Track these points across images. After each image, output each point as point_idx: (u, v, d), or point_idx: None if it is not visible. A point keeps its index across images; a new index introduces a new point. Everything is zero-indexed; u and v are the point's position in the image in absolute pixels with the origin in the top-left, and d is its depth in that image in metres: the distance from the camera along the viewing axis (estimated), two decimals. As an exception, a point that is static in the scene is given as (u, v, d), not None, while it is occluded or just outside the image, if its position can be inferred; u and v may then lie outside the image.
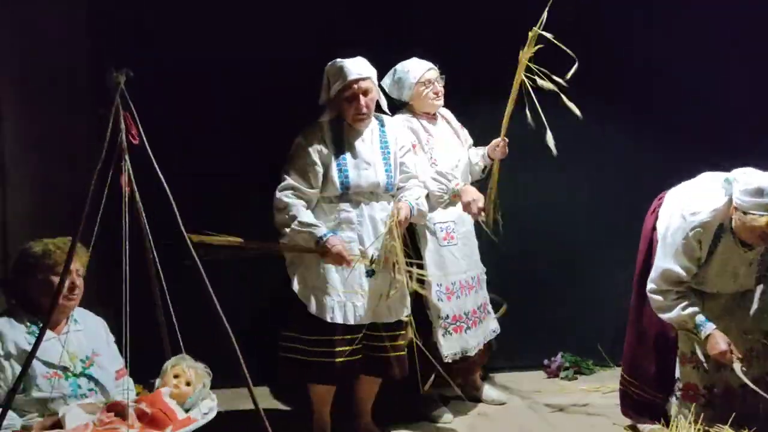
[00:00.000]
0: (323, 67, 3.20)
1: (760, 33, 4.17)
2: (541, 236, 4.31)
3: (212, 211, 3.88)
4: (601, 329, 4.29)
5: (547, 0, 3.36)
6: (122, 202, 2.31)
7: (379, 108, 3.28)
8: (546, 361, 4.35)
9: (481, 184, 3.71)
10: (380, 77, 3.29)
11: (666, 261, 2.93)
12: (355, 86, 3.09)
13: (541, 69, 3.39)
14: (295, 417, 3.51)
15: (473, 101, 3.94)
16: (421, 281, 3.16)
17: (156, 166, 2.17)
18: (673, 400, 3.08)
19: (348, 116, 3.15)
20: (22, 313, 2.33)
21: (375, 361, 3.21)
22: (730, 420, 2.87)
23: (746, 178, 2.77)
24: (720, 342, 2.84)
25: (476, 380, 3.91)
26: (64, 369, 2.33)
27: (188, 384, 2.38)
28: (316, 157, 3.09)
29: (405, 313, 3.24)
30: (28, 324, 2.31)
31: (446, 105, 3.72)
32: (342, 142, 3.15)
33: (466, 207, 3.39)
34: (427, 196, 3.39)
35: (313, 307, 3.07)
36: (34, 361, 2.24)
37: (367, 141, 3.21)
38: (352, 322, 3.09)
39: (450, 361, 3.45)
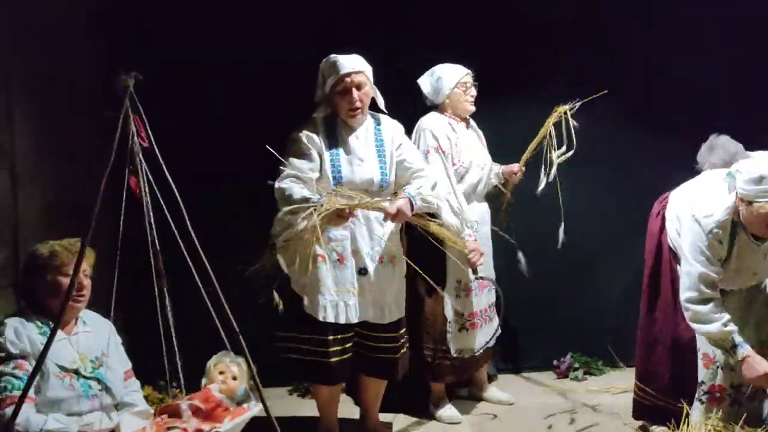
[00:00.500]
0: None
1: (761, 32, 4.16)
2: (551, 237, 4.31)
3: (216, 212, 3.94)
4: (611, 330, 4.29)
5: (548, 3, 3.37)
6: (138, 204, 2.34)
7: (377, 107, 3.24)
8: (555, 362, 4.34)
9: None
10: (381, 76, 3.26)
11: (697, 266, 2.82)
12: (348, 80, 3.07)
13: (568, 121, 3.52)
14: (306, 418, 3.53)
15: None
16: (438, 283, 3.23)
17: (164, 168, 2.18)
18: (698, 405, 2.97)
19: (341, 111, 3.12)
20: (32, 314, 2.35)
21: (375, 362, 3.19)
22: (741, 419, 2.85)
23: (748, 167, 2.74)
24: (758, 365, 2.74)
25: (482, 380, 3.92)
26: (75, 370, 2.34)
27: (234, 379, 2.41)
28: (311, 145, 3.07)
29: (399, 315, 3.20)
30: (39, 324, 2.33)
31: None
32: (335, 138, 3.13)
33: (468, 255, 3.42)
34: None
35: (306, 306, 3.06)
36: (47, 362, 2.26)
37: (361, 138, 3.17)
38: (343, 321, 3.07)
39: (456, 355, 3.56)
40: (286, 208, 2.93)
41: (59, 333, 2.22)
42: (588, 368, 4.28)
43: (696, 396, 2.99)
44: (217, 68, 4.11)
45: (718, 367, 2.94)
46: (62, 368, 2.31)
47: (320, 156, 3.08)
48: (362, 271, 3.10)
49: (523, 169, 3.77)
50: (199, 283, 2.27)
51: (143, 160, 2.18)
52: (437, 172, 3.52)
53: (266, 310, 3.16)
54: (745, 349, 2.76)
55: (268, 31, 4.13)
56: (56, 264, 2.36)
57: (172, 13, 4.10)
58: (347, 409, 3.50)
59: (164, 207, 2.25)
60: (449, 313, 3.59)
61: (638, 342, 3.25)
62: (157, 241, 2.38)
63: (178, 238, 2.32)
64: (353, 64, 3.09)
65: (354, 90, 3.07)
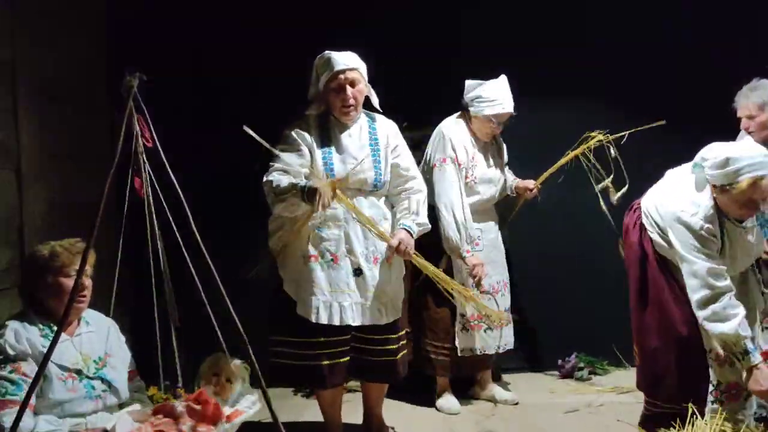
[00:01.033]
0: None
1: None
2: (556, 237, 4.31)
3: (220, 213, 3.95)
4: (616, 329, 4.25)
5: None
6: (142, 204, 2.35)
7: (371, 106, 3.20)
8: (560, 362, 4.33)
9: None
10: (383, 75, 3.26)
11: (701, 262, 2.77)
12: (342, 76, 3.02)
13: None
14: (312, 423, 3.53)
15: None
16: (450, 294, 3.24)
17: (168, 168, 2.19)
18: (711, 405, 2.88)
19: (335, 108, 3.08)
20: (34, 315, 2.34)
21: (373, 366, 3.14)
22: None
23: (711, 153, 2.76)
24: (765, 380, 2.70)
25: (486, 381, 3.93)
26: (78, 371, 2.34)
27: (228, 381, 2.41)
28: (301, 141, 3.02)
29: (396, 316, 3.14)
30: (41, 326, 2.32)
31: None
32: (328, 136, 3.07)
33: (471, 270, 3.56)
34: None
35: (298, 308, 3.01)
36: (50, 364, 2.26)
37: (355, 136, 3.12)
38: (337, 323, 3.00)
39: (461, 354, 3.65)
40: (280, 205, 2.90)
41: (61, 335, 2.22)
42: (593, 368, 4.27)
43: (711, 398, 2.89)
44: (221, 69, 4.12)
45: (731, 365, 2.84)
46: (64, 369, 2.30)
47: (311, 153, 3.03)
48: (357, 272, 3.04)
49: (540, 187, 3.80)
50: (198, 285, 2.29)
51: (146, 161, 2.19)
52: (451, 182, 3.57)
53: (267, 310, 3.18)
54: (756, 358, 2.72)
55: (273, 31, 4.14)
56: (57, 265, 2.35)
57: (176, 14, 4.11)
58: (352, 410, 3.50)
59: (166, 208, 2.27)
60: (457, 313, 3.66)
61: (639, 359, 3.15)
62: (159, 241, 2.41)
63: (179, 238, 2.34)
64: (347, 61, 3.04)
65: (348, 87, 3.03)
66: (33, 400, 2.14)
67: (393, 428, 3.36)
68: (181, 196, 2.18)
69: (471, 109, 3.69)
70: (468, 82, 3.72)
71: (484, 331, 3.72)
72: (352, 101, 3.05)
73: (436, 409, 3.74)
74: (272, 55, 4.11)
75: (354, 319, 3.03)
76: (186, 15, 4.13)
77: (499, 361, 4.15)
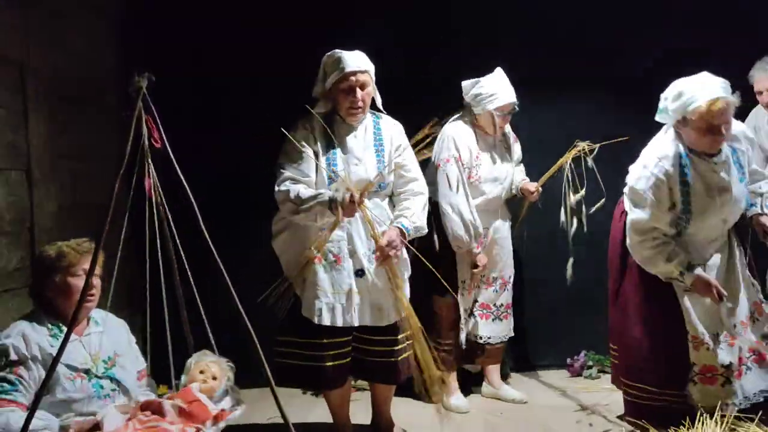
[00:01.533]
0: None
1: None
2: (565, 235, 4.29)
3: (227, 212, 3.96)
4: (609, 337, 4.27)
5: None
6: (147, 204, 2.35)
7: (374, 105, 3.17)
8: (569, 360, 4.33)
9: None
10: (387, 73, 3.26)
11: (634, 212, 2.95)
12: (353, 78, 3.00)
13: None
14: (320, 420, 3.54)
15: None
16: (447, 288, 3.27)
17: (177, 168, 2.20)
18: (692, 385, 2.96)
19: (342, 109, 3.06)
20: (43, 315, 2.35)
21: (375, 367, 3.13)
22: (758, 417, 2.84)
23: (668, 91, 2.90)
24: (706, 281, 2.86)
25: (494, 380, 3.93)
26: (87, 371, 2.35)
27: (214, 378, 2.41)
28: (306, 145, 3.01)
29: (398, 317, 3.09)
30: (50, 326, 2.33)
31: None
32: (333, 136, 3.05)
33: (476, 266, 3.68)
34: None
35: (303, 308, 3.01)
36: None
37: (360, 137, 3.10)
38: (340, 324, 3.00)
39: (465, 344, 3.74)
40: (299, 215, 2.93)
41: (71, 334, 2.23)
42: (602, 366, 4.26)
43: (689, 377, 2.97)
44: (231, 69, 4.13)
45: (707, 348, 2.94)
46: (73, 369, 2.31)
47: (316, 155, 3.02)
48: (359, 273, 3.02)
49: (540, 189, 3.80)
50: (193, 285, 2.30)
51: (151, 163, 2.20)
52: (454, 181, 3.58)
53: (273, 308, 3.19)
54: (692, 274, 2.86)
55: (281, 31, 4.15)
56: (64, 265, 2.35)
57: (186, 14, 4.13)
58: (361, 409, 3.50)
59: (166, 209, 2.28)
60: (461, 308, 3.72)
61: (619, 350, 3.22)
62: (169, 241, 2.42)
63: (175, 240, 2.35)
64: (359, 63, 3.02)
65: (358, 90, 3.01)
66: (27, 401, 2.17)
67: (404, 429, 3.35)
68: (191, 195, 2.19)
69: (474, 108, 3.70)
70: (464, 83, 3.72)
71: (492, 320, 3.82)
72: (360, 104, 3.03)
73: (444, 407, 3.72)
74: (281, 55, 4.11)
75: (356, 320, 3.03)
76: (195, 15, 4.14)
77: (507, 359, 4.15)
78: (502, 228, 3.87)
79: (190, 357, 2.57)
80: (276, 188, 2.99)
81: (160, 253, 2.44)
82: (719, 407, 2.88)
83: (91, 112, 3.86)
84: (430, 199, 3.55)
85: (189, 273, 2.33)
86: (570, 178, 3.65)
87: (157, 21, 4.12)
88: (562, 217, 3.74)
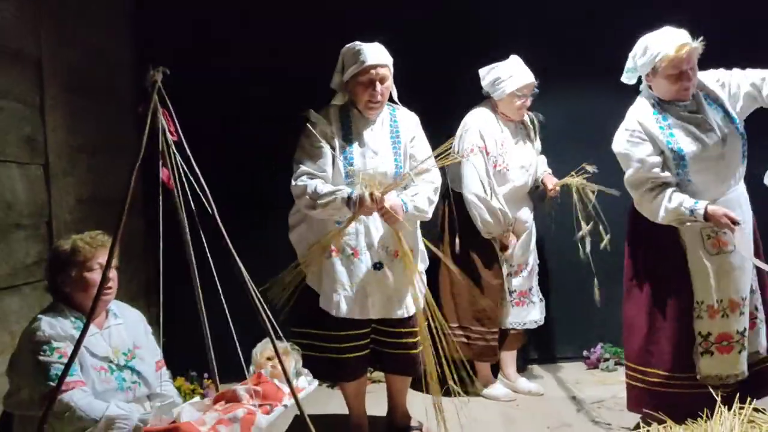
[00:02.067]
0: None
1: None
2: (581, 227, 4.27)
3: (246, 205, 3.98)
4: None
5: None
6: (164, 197, 2.36)
7: (390, 98, 3.14)
8: (586, 352, 4.32)
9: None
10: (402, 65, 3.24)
11: (626, 174, 3.00)
12: (373, 72, 2.97)
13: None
14: (336, 412, 3.55)
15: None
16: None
17: (193, 162, 2.20)
18: (708, 356, 2.96)
19: (360, 102, 3.04)
20: (65, 308, 2.37)
21: (394, 359, 3.14)
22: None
23: (635, 50, 3.01)
24: (718, 209, 2.85)
25: (511, 372, 3.93)
26: (109, 363, 2.36)
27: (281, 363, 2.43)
28: (322, 140, 2.99)
29: (417, 309, 3.08)
30: (73, 319, 2.35)
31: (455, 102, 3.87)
32: (350, 129, 3.05)
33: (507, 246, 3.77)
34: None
35: (321, 301, 3.02)
36: (85, 355, 2.29)
37: (377, 130, 3.08)
38: (358, 316, 3.00)
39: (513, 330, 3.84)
40: (316, 210, 2.92)
41: (91, 327, 2.25)
42: (619, 359, 4.24)
43: (701, 349, 2.98)
44: (244, 61, 4.14)
45: (723, 315, 2.95)
46: (97, 360, 2.33)
47: (333, 149, 3.01)
48: (377, 266, 3.02)
49: (558, 189, 3.78)
50: (215, 280, 2.31)
51: (172, 154, 2.20)
52: (480, 172, 3.59)
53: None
54: (700, 207, 2.86)
55: (296, 23, 4.16)
56: (79, 259, 2.36)
57: (200, 6, 4.14)
58: (376, 402, 3.51)
59: (179, 203, 2.28)
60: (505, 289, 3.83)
61: (635, 328, 3.15)
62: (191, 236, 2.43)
63: (187, 234, 2.36)
64: (379, 56, 2.99)
65: (378, 84, 2.99)
66: (83, 378, 2.21)
67: (419, 421, 3.36)
68: (206, 188, 2.20)
69: (494, 94, 3.69)
70: (481, 71, 3.73)
71: (515, 306, 3.87)
72: (380, 98, 3.01)
73: (484, 397, 3.81)
74: (295, 47, 4.12)
75: (374, 313, 3.03)
76: (208, 7, 4.16)
77: (523, 352, 4.14)
78: (528, 216, 3.87)
79: (207, 349, 2.57)
80: (293, 182, 2.98)
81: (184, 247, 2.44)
82: (727, 378, 2.95)
83: (107, 106, 3.89)
84: (454, 191, 3.55)
85: (212, 263, 2.33)
86: (579, 207, 3.63)
87: (170, 14, 4.14)
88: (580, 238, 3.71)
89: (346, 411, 3.30)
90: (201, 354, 2.50)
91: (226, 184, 2.99)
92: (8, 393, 2.32)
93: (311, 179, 2.95)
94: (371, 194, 2.84)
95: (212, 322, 2.47)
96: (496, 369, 3.99)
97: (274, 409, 2.12)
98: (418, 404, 3.50)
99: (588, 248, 3.61)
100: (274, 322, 2.16)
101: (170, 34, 4.09)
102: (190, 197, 2.23)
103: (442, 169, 3.38)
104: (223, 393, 2.27)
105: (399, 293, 3.05)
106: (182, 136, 2.24)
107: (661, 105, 3.02)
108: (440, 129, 3.75)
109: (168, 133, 2.24)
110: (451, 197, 3.80)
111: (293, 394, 2.09)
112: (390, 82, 3.06)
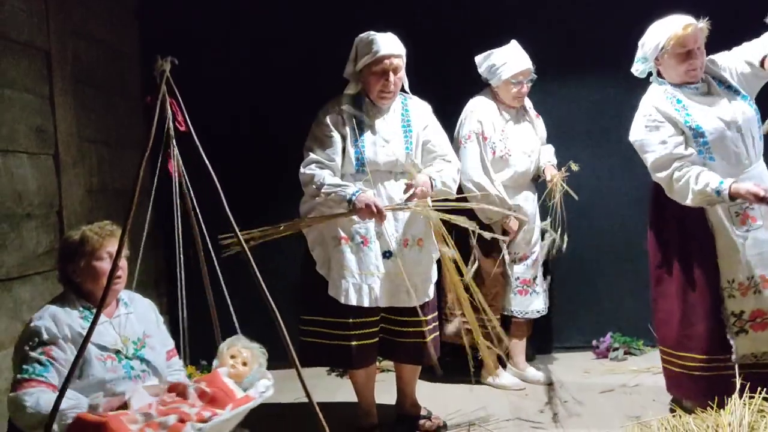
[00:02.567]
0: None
1: None
2: (590, 217, 4.26)
3: (256, 196, 3.98)
4: (651, 309, 4.23)
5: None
6: (173, 187, 2.37)
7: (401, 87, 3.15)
8: (595, 342, 4.31)
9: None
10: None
11: (648, 159, 3.01)
12: (387, 62, 2.99)
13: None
14: (345, 400, 3.56)
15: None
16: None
17: (202, 152, 2.21)
18: (743, 335, 2.95)
19: (373, 92, 3.05)
20: (75, 298, 2.38)
21: (403, 348, 3.14)
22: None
23: (643, 40, 3.07)
24: (744, 186, 2.81)
25: (519, 361, 3.93)
26: (117, 352, 2.38)
27: (245, 364, 2.42)
28: (333, 129, 3.01)
29: (427, 299, 3.13)
30: (81, 309, 2.35)
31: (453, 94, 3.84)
32: (361, 118, 3.06)
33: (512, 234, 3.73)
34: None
35: (330, 288, 3.03)
36: (89, 345, 2.31)
37: (388, 119, 3.10)
38: (366, 304, 3.01)
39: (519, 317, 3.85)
40: (319, 198, 2.94)
41: (101, 316, 2.25)
42: (628, 348, 4.24)
43: (735, 329, 2.96)
44: (255, 57, 4.15)
45: (755, 292, 2.95)
46: (104, 350, 2.33)
47: (344, 138, 3.02)
48: (387, 254, 3.03)
49: (556, 181, 3.73)
50: (218, 271, 2.31)
51: (175, 145, 2.21)
52: (475, 158, 3.58)
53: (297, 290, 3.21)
54: (725, 186, 2.82)
55: (302, 15, 4.16)
56: (88, 249, 2.36)
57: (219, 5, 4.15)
58: (386, 390, 3.52)
59: (190, 192, 2.29)
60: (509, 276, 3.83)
61: (668, 313, 3.13)
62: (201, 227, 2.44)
63: (199, 221, 2.36)
64: (393, 47, 3.01)
65: (391, 74, 3.00)
66: (57, 382, 2.18)
67: (428, 410, 3.37)
68: (215, 177, 2.20)
69: (491, 81, 3.70)
70: (477, 58, 3.73)
71: (518, 294, 3.87)
72: (392, 87, 3.02)
73: (489, 385, 3.82)
74: (301, 41, 4.12)
75: (383, 301, 3.04)
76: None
77: (532, 342, 4.14)
78: (531, 204, 3.85)
79: (217, 337, 2.59)
80: (301, 170, 3.01)
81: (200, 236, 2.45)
82: (763, 356, 2.96)
83: (115, 97, 3.91)
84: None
85: (213, 254, 2.34)
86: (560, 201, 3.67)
87: (177, 4, 4.14)
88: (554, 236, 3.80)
89: (355, 399, 3.31)
90: (212, 344, 2.52)
91: (235, 174, 3.02)
92: None
93: (320, 168, 2.97)
94: (374, 205, 2.87)
95: (224, 312, 2.49)
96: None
97: (213, 418, 2.09)
98: (425, 393, 3.52)
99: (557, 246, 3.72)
100: (276, 313, 2.15)
101: (178, 25, 4.09)
102: (189, 188, 2.24)
103: None
104: (176, 385, 2.29)
105: (408, 282, 3.04)
106: (191, 126, 2.25)
107: (674, 89, 3.04)
108: (451, 120, 3.77)
109: (176, 123, 2.24)
110: None
111: (301, 381, 2.10)
112: (403, 73, 3.07)
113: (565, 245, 3.76)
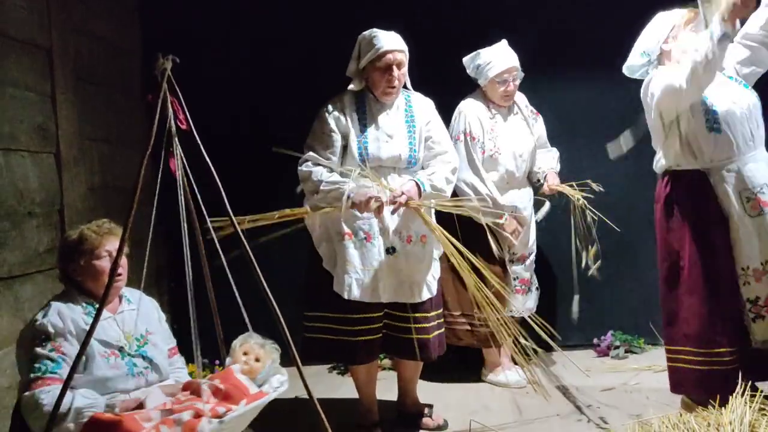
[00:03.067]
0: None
1: None
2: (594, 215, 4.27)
3: (256, 196, 3.97)
4: (652, 307, 4.22)
5: None
6: (177, 185, 2.37)
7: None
8: (596, 340, 4.31)
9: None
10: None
11: (663, 83, 2.94)
12: (390, 56, 3.02)
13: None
14: (347, 396, 3.57)
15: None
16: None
17: (203, 150, 2.21)
18: (760, 321, 2.93)
19: (377, 88, 3.08)
20: (77, 294, 2.38)
21: (406, 344, 3.14)
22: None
23: (642, 37, 3.08)
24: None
25: (494, 363, 3.92)
26: (120, 349, 2.38)
27: (257, 360, 2.43)
28: (334, 126, 3.04)
29: (430, 295, 3.14)
30: (84, 305, 2.36)
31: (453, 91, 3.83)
32: (365, 114, 3.09)
33: (511, 233, 3.71)
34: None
35: (334, 284, 3.04)
36: (92, 341, 2.30)
37: (392, 114, 3.13)
38: (369, 300, 3.03)
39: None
40: (318, 194, 2.96)
41: (104, 312, 2.26)
42: (629, 346, 4.24)
43: (752, 315, 2.94)
44: (256, 55, 4.15)
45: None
46: (107, 346, 2.33)
47: (347, 134, 3.05)
48: (390, 251, 3.05)
49: (555, 192, 3.75)
50: (225, 267, 2.32)
51: (178, 144, 2.20)
52: (465, 158, 3.60)
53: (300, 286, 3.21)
54: (715, 21, 2.71)
55: (303, 15, 4.16)
56: (87, 248, 2.37)
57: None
58: (387, 388, 3.52)
59: (191, 190, 2.29)
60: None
61: (689, 311, 3.04)
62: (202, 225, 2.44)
63: (202, 216, 2.36)
64: (395, 43, 3.04)
65: (395, 68, 3.03)
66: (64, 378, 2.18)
67: (430, 406, 3.37)
68: (216, 176, 2.20)
69: (479, 80, 3.72)
70: (465, 59, 3.76)
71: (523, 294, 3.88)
72: (396, 83, 3.05)
73: (490, 383, 3.82)
74: (301, 41, 4.12)
75: (386, 297, 3.05)
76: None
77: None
78: (526, 205, 3.85)
79: (218, 335, 2.59)
80: (299, 167, 3.04)
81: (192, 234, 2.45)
82: None
83: (116, 95, 3.91)
84: None
85: (220, 251, 2.34)
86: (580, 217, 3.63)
87: (177, 4, 4.14)
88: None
89: (356, 395, 3.31)
90: (214, 341, 2.52)
91: (235, 173, 3.00)
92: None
93: (319, 165, 3.00)
94: (371, 199, 2.88)
95: (224, 309, 2.48)
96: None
97: (227, 414, 2.10)
98: (426, 391, 3.52)
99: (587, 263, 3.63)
100: (278, 311, 2.15)
101: (179, 23, 4.09)
102: (192, 185, 2.24)
103: None
104: (191, 382, 2.29)
105: (411, 278, 3.08)
106: (192, 125, 2.25)
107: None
108: (450, 120, 3.77)
109: (177, 122, 2.24)
110: None
111: (302, 378, 2.10)
112: (406, 69, 3.10)
113: (598, 263, 3.64)
